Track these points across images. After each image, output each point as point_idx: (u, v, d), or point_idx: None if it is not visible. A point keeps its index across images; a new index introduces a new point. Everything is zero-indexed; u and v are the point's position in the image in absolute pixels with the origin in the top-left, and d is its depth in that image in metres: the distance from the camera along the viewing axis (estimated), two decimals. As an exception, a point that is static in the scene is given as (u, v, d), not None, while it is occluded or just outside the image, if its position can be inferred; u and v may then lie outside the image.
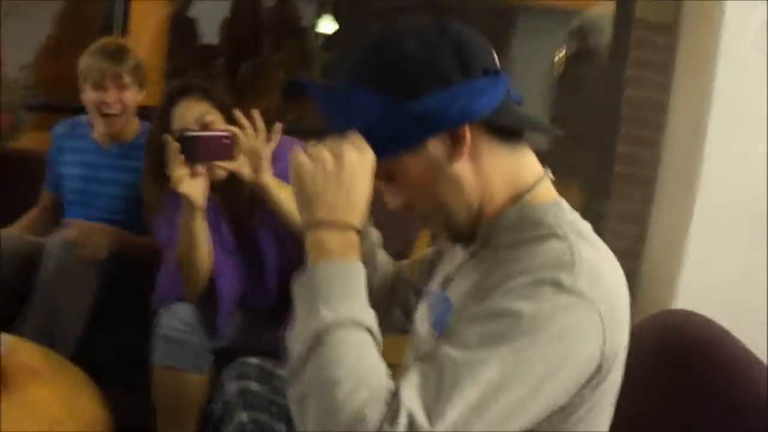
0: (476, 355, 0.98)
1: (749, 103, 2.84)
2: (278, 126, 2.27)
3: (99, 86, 2.80)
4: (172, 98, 2.39)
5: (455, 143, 1.15)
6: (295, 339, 1.05)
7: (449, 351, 0.98)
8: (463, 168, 1.17)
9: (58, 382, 2.00)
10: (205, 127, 2.31)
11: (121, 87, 2.82)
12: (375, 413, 0.93)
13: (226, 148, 2.18)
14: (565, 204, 1.23)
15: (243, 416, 1.72)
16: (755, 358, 1.46)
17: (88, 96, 2.83)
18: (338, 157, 1.13)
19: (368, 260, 1.40)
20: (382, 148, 1.16)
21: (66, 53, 4.12)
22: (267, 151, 2.22)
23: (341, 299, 1.05)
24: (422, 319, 1.36)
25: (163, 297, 2.41)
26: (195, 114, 2.33)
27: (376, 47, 1.21)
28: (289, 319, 2.12)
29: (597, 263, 1.08)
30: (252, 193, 2.33)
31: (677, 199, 3.15)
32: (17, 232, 2.90)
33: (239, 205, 2.41)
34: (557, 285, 1.01)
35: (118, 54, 2.81)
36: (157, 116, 2.43)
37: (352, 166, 1.13)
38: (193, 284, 2.35)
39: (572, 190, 3.65)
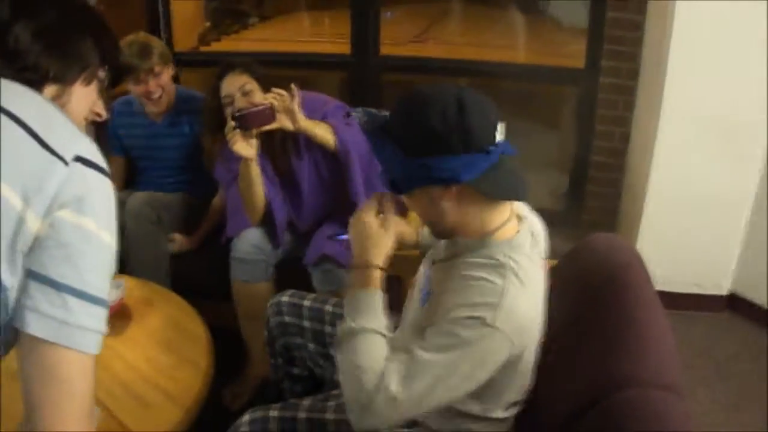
0: (431, 356, 1.56)
1: (708, 18, 3.22)
2: (293, 86, 2.82)
3: (139, 81, 3.24)
4: (221, 73, 2.92)
5: (445, 191, 1.61)
6: (338, 333, 1.70)
7: (417, 350, 1.58)
8: (448, 205, 1.64)
9: (168, 310, 2.55)
10: (246, 94, 2.85)
11: (156, 75, 3.26)
12: (371, 385, 1.57)
13: (268, 116, 2.74)
14: (516, 241, 1.68)
15: (281, 341, 2.40)
16: (649, 282, 1.93)
17: (134, 90, 3.29)
18: (367, 225, 1.77)
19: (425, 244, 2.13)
20: (398, 183, 1.67)
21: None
22: (295, 105, 2.77)
23: (361, 314, 1.67)
24: (419, 280, 1.92)
25: (234, 227, 3.04)
26: (238, 84, 2.88)
27: (407, 111, 1.63)
28: (318, 236, 2.89)
29: (516, 300, 1.56)
30: (282, 139, 2.92)
31: (648, 105, 3.60)
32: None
33: (274, 149, 2.97)
34: (483, 321, 1.53)
35: (144, 51, 3.21)
36: (210, 87, 2.97)
37: (374, 230, 1.76)
38: (254, 212, 2.97)
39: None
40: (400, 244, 2.01)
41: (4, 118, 1.11)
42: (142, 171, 3.60)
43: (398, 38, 5.90)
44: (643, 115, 3.75)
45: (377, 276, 1.73)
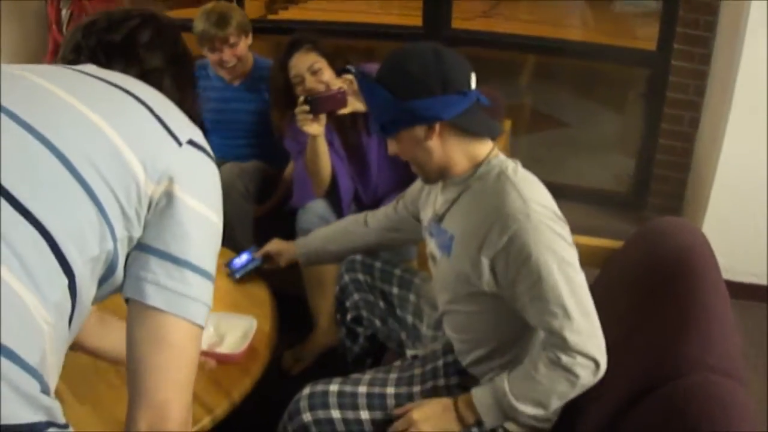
0: (550, 282, 1.69)
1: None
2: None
3: (214, 49, 3.32)
4: (289, 50, 2.95)
5: (429, 130, 1.82)
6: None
7: (538, 289, 1.70)
8: (433, 144, 1.85)
9: (235, 274, 2.58)
10: (315, 73, 2.90)
11: (231, 45, 3.32)
12: (580, 367, 1.70)
13: (339, 100, 2.78)
14: (501, 156, 1.88)
15: (355, 296, 2.45)
16: (717, 268, 1.94)
17: (209, 57, 3.39)
18: None
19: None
20: (386, 125, 1.87)
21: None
22: None
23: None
24: (432, 248, 2.04)
25: (299, 199, 3.08)
26: (306, 63, 2.92)
27: (392, 61, 1.84)
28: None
29: (532, 192, 1.77)
30: (353, 115, 2.94)
31: (720, 90, 3.53)
32: None
33: (344, 125, 3.02)
34: (527, 217, 1.71)
35: (223, 20, 3.26)
36: (277, 63, 3.01)
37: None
38: (320, 185, 3.01)
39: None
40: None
41: (132, 99, 1.25)
42: (213, 135, 3.62)
43: (468, 12, 5.87)
44: (715, 101, 3.69)
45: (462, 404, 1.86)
